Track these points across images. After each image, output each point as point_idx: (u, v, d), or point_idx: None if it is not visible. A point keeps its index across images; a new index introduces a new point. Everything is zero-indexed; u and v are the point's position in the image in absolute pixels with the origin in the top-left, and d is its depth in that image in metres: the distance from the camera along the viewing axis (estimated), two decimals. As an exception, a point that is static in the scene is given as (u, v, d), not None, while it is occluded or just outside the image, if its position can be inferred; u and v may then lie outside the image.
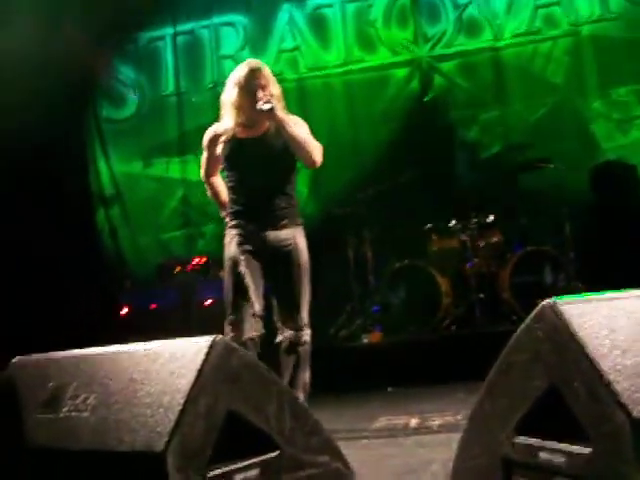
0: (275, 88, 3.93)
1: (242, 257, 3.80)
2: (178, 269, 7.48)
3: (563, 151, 7.60)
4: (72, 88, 8.25)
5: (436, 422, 4.18)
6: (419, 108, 8.52)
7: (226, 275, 3.87)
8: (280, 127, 3.79)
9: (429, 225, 6.96)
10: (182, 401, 1.87)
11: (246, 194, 3.89)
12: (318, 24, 8.96)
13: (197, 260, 7.59)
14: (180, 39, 9.33)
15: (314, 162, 3.91)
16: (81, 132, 9.23)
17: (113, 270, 8.86)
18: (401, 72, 8.71)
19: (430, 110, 8.46)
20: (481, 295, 6.61)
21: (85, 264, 7.95)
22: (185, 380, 1.91)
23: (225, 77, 9.45)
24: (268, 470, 2.08)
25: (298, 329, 3.85)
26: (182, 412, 1.85)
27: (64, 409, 2.13)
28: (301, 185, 8.79)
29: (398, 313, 6.60)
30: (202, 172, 4.11)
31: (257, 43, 9.07)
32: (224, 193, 4.06)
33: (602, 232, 6.89)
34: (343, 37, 8.86)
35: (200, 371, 1.91)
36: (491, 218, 6.84)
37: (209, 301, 7.04)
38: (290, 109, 8.80)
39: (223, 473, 1.94)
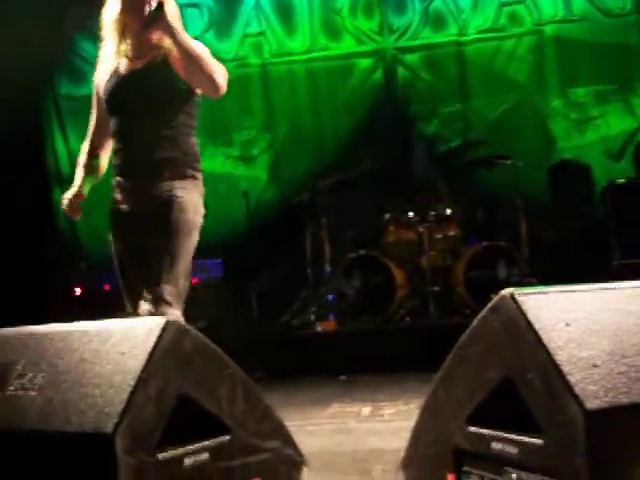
0: (172, 7, 3.10)
1: (112, 238, 3.21)
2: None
3: (521, 148, 7.68)
4: (29, 64, 8.05)
5: (388, 411, 4.20)
6: (381, 99, 8.53)
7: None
8: (170, 36, 2.99)
9: (387, 216, 6.96)
10: (132, 382, 1.83)
11: (123, 143, 3.16)
12: (284, 10, 8.89)
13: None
14: (144, 17, 9.18)
15: (217, 87, 3.03)
16: (39, 109, 9.03)
17: (68, 251, 8.71)
18: (365, 62, 8.71)
19: (392, 101, 8.47)
20: (435, 288, 6.65)
21: (40, 244, 7.80)
22: (136, 361, 1.87)
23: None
24: (219, 454, 2.05)
25: (155, 303, 2.92)
26: (132, 393, 1.81)
27: (10, 388, 2.07)
28: (260, 171, 8.75)
29: (352, 302, 6.60)
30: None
31: (222, 26, 8.97)
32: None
33: (556, 229, 6.98)
34: (309, 24, 8.82)
35: (152, 352, 1.87)
36: (448, 211, 6.88)
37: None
38: (253, 94, 8.84)
39: (173, 456, 1.91)
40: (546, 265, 6.81)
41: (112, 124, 3.18)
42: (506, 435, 1.78)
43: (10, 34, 7.33)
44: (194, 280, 6.83)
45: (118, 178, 3.20)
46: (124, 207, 3.15)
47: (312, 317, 6.88)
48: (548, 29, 8.40)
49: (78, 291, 7.08)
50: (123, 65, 3.15)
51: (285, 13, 8.88)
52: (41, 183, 8.76)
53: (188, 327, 2.05)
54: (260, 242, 7.73)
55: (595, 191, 7.37)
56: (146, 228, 3.02)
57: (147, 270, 2.99)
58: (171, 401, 1.92)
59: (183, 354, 1.98)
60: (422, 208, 7.04)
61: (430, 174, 7.60)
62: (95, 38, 9.20)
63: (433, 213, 6.82)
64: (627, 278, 2.16)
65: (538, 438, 1.65)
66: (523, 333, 1.70)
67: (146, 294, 2.98)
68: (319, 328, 6.64)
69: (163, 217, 2.99)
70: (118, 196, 3.19)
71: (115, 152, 3.21)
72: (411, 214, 6.88)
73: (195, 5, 9.06)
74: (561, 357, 1.61)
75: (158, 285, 2.91)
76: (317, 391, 5.26)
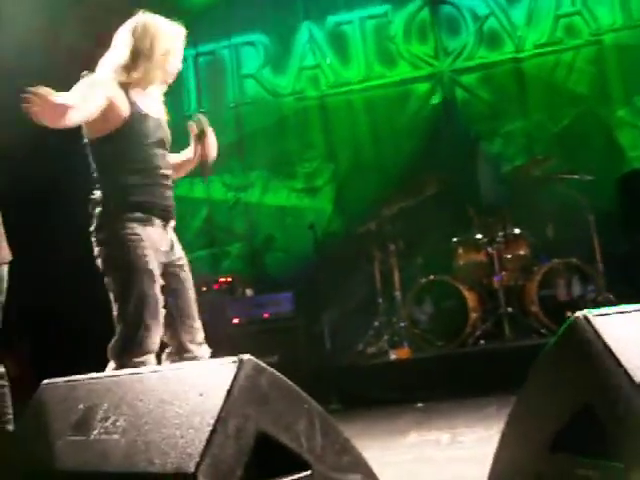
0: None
1: None
2: (204, 289, 7.49)
3: (588, 161, 7.54)
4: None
5: (468, 438, 4.13)
6: (442, 122, 8.51)
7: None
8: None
9: (455, 239, 6.91)
10: (212, 421, 1.86)
11: (159, 179, 3.40)
12: (338, 41, 9.00)
13: (223, 279, 7.61)
14: (201, 60, 9.42)
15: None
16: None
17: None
18: (423, 87, 8.72)
19: (453, 124, 8.45)
20: (509, 309, 6.55)
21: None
22: (214, 401, 1.91)
23: (247, 96, 9.57)
24: (300, 490, 2.06)
25: None
26: (212, 432, 1.84)
27: (94, 432, 2.14)
28: (325, 202, 8.82)
29: (425, 328, 6.55)
30: None
31: (278, 61, 9.14)
32: None
33: (630, 242, 6.79)
34: (363, 53, 8.89)
35: (229, 391, 1.91)
36: (517, 231, 6.79)
37: (236, 320, 7.05)
38: (313, 126, 8.94)
39: (255, 494, 1.93)
40: (621, 280, 6.62)
41: (149, 156, 3.27)
42: (589, 460, 1.74)
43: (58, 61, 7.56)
44: (266, 314, 6.95)
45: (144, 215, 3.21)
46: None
47: (385, 345, 6.85)
48: (607, 38, 8.25)
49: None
50: (160, 108, 3.51)
51: (339, 44, 8.98)
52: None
53: (263, 364, 2.08)
54: (329, 273, 7.75)
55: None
56: None
57: None
58: (250, 439, 1.95)
59: (259, 391, 2.01)
60: (490, 229, 6.97)
61: (497, 194, 7.52)
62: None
63: (502, 233, 6.74)
64: None
65: (620, 462, 1.61)
66: (600, 356, 1.67)
67: None
68: (393, 356, 6.59)
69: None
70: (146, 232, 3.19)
71: (140, 186, 3.21)
72: (479, 235, 6.81)
73: (251, 43, 9.26)
74: (641, 378, 1.57)
75: None
76: (394, 420, 5.22)
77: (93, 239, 3.17)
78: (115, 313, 3.09)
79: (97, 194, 3.19)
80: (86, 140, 3.25)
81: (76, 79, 3.16)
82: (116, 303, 3.09)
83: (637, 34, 8.14)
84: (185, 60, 9.45)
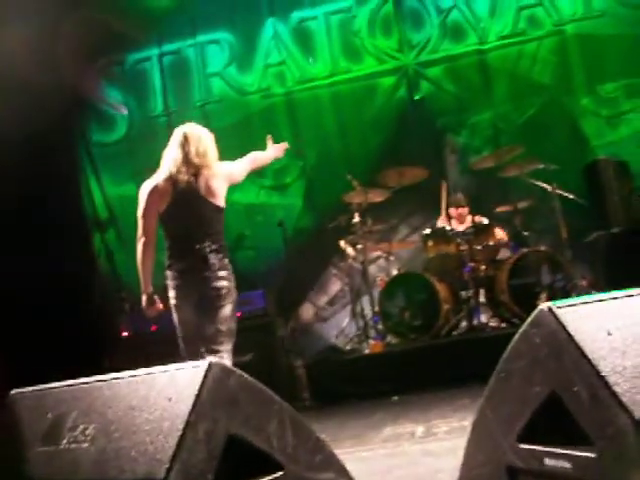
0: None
1: None
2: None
3: (554, 150, 7.60)
4: (60, 113, 8.23)
5: (442, 429, 4.15)
6: (408, 115, 8.54)
7: None
8: None
9: (425, 231, 6.93)
10: (181, 427, 1.85)
11: None
12: (303, 37, 8.99)
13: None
14: (166, 59, 9.34)
15: None
16: (72, 157, 9.21)
17: (112, 294, 8.83)
18: (388, 80, 8.74)
19: (419, 116, 8.48)
20: (480, 299, 6.59)
21: (83, 289, 7.92)
22: (183, 405, 1.89)
23: (213, 95, 9.53)
24: (273, 490, 2.05)
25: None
26: (182, 438, 1.83)
27: (64, 441, 2.11)
28: (295, 198, 8.80)
29: (398, 321, 6.56)
30: None
31: (243, 59, 9.10)
32: None
33: (597, 230, 6.87)
34: (328, 48, 8.89)
35: (198, 395, 1.89)
36: (486, 221, 6.84)
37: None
38: (280, 123, 8.91)
39: (227, 497, 1.92)
40: (589, 267, 6.70)
41: None
42: (558, 450, 1.76)
43: (39, 83, 7.50)
44: (237, 313, 6.92)
45: None
46: None
47: (358, 339, 6.87)
48: (569, 28, 8.34)
49: (125, 334, 7.15)
50: None
51: (304, 40, 8.97)
52: (81, 229, 8.92)
53: (231, 367, 2.07)
54: (301, 269, 7.75)
55: (634, 187, 7.24)
56: None
57: None
58: (221, 441, 1.94)
59: (228, 394, 2.00)
60: (460, 220, 7.02)
61: (465, 185, 7.56)
62: (120, 84, 9.35)
63: (471, 224, 6.78)
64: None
65: (590, 451, 1.63)
66: (565, 346, 1.68)
67: None
68: (366, 350, 6.61)
69: None
70: None
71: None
72: (448, 227, 6.84)
73: (215, 41, 9.21)
74: (605, 367, 1.58)
75: None
76: (369, 415, 5.23)
77: (219, 275, 3.97)
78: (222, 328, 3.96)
79: (217, 246, 4.01)
80: (221, 206, 4.16)
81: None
82: (224, 323, 3.97)
83: (598, 24, 8.23)
84: (150, 59, 9.49)
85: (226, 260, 4.04)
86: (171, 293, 4.06)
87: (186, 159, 4.18)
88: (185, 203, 4.05)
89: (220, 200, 4.15)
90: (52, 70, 7.79)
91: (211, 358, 3.51)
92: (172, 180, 4.09)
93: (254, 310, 6.75)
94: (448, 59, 8.61)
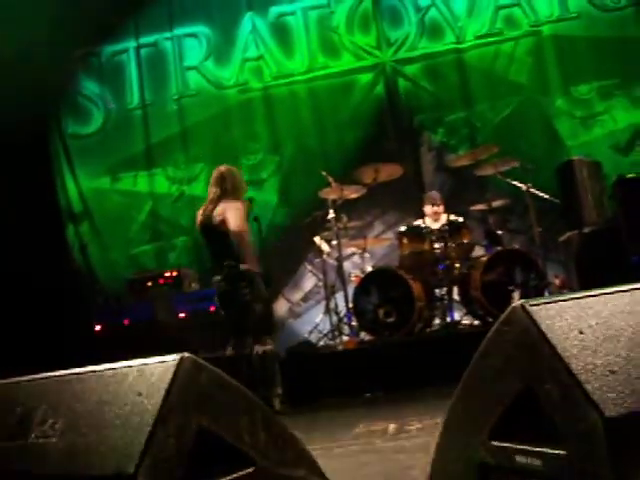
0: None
1: None
2: (150, 283, 7.41)
3: (528, 150, 7.66)
4: (36, 105, 8.15)
5: (414, 426, 4.16)
6: (385, 112, 8.56)
7: None
8: None
9: (401, 228, 6.95)
10: (151, 421, 1.82)
11: None
12: (281, 32, 8.97)
13: (168, 274, 7.52)
14: (143, 51, 9.28)
15: None
16: (47, 149, 9.13)
17: (85, 287, 8.77)
18: (365, 77, 8.75)
19: (396, 114, 8.49)
20: (454, 297, 6.62)
21: (56, 281, 7.85)
22: (153, 400, 1.87)
23: (190, 88, 9.50)
24: (244, 486, 2.04)
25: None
26: (152, 433, 1.81)
27: (32, 435, 2.08)
28: (270, 194, 8.78)
29: (372, 318, 6.56)
30: None
31: (221, 53, 9.07)
32: None
33: (570, 229, 6.92)
34: (306, 44, 8.88)
35: (168, 390, 1.87)
36: (460, 219, 6.86)
37: (182, 314, 6.98)
38: (257, 118, 8.89)
39: (197, 493, 1.90)
40: (564, 266, 6.75)
41: None
42: (530, 448, 1.76)
43: (14, 73, 7.42)
44: (212, 308, 6.90)
45: None
46: None
47: (333, 336, 6.87)
48: (545, 29, 8.41)
49: (98, 327, 7.10)
50: None
51: (282, 35, 8.95)
52: (54, 221, 8.84)
53: (202, 362, 2.05)
54: (276, 265, 7.73)
55: (607, 187, 7.31)
56: None
57: None
58: (191, 437, 1.92)
59: (200, 389, 1.98)
60: (434, 218, 7.04)
61: (440, 183, 7.59)
62: (97, 76, 9.26)
63: (445, 222, 6.80)
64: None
65: (561, 449, 1.64)
66: (537, 344, 1.69)
67: None
68: (340, 347, 6.61)
69: None
70: None
71: None
72: (423, 224, 6.86)
73: (193, 35, 9.16)
74: (576, 366, 1.59)
75: None
76: (342, 411, 5.24)
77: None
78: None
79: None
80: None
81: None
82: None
83: (573, 25, 8.31)
84: (126, 52, 9.41)
85: None
86: None
87: None
88: None
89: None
90: (28, 61, 7.70)
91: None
92: None
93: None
94: (426, 57, 8.65)
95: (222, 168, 5.48)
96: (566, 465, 1.64)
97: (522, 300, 1.78)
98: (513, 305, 1.79)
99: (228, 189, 5.28)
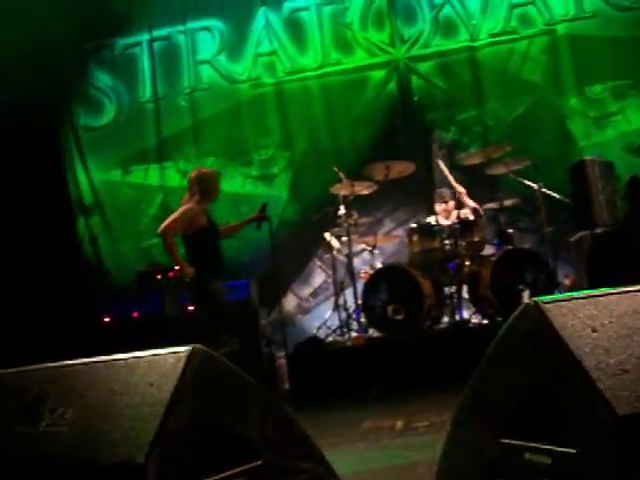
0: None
1: None
2: (159, 277, 7.42)
3: (541, 149, 7.63)
4: (48, 96, 8.17)
5: (422, 424, 4.16)
6: (397, 109, 8.54)
7: None
8: None
9: (411, 225, 6.93)
10: (162, 412, 1.83)
11: None
12: (295, 27, 8.96)
13: (178, 267, 7.52)
14: (156, 45, 9.28)
15: None
16: (59, 141, 9.15)
17: (95, 279, 8.79)
18: (379, 74, 8.72)
19: (408, 111, 8.47)
20: (463, 295, 6.60)
21: (67, 273, 7.88)
22: (165, 390, 1.88)
23: (202, 82, 9.51)
24: (253, 478, 2.05)
25: None
26: (162, 423, 1.82)
27: (42, 423, 2.09)
28: (281, 190, 8.78)
29: (380, 315, 6.54)
30: None
31: (234, 48, 9.06)
32: None
33: (581, 229, 6.89)
34: (320, 40, 8.86)
35: (180, 381, 1.88)
36: (471, 217, 6.84)
37: (192, 307, 6.99)
38: (269, 113, 8.88)
39: (207, 484, 1.91)
40: (574, 266, 6.72)
41: None
42: (539, 445, 1.76)
43: (28, 65, 7.45)
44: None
45: None
46: None
47: (341, 332, 6.86)
48: (560, 28, 8.36)
49: (107, 319, 7.12)
50: None
51: (296, 30, 8.94)
52: (65, 213, 8.87)
53: (214, 354, 2.05)
54: (284, 260, 7.73)
55: (619, 188, 7.27)
56: None
57: None
58: (201, 428, 1.92)
59: (211, 381, 1.98)
60: (445, 216, 7.02)
61: (452, 181, 7.56)
62: (109, 69, 9.27)
63: (456, 220, 6.78)
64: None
65: (571, 447, 1.63)
66: (550, 342, 1.68)
67: None
68: (348, 343, 6.61)
69: None
70: None
71: None
72: (434, 222, 6.84)
73: (206, 29, 9.16)
74: (589, 364, 1.59)
75: None
76: (349, 407, 5.24)
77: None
78: None
79: None
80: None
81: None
82: None
83: (588, 25, 8.26)
84: (139, 45, 9.42)
85: None
86: None
87: None
88: None
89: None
90: (41, 52, 7.73)
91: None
92: None
93: (239, 299, 6.75)
94: (439, 55, 8.62)
95: (193, 172, 5.61)
96: (576, 463, 1.63)
97: (535, 298, 1.78)
98: (526, 302, 1.79)
99: (192, 192, 5.41)
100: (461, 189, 6.96)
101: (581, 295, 1.80)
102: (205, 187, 5.43)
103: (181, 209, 5.42)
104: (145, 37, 9.28)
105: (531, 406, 1.78)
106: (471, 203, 6.87)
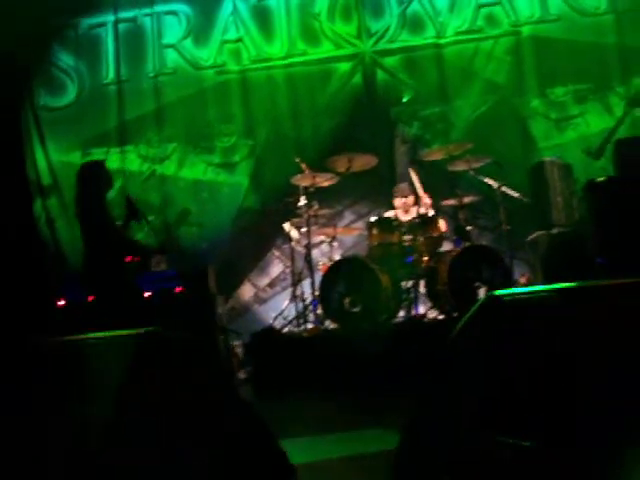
0: None
1: None
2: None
3: (502, 149, 7.71)
4: (8, 75, 8.01)
5: (374, 416, 4.18)
6: (361, 102, 8.56)
7: None
8: None
9: (371, 219, 6.95)
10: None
11: None
12: (262, 16, 8.91)
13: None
14: (122, 26, 9.15)
15: None
16: (18, 120, 8.97)
17: (50, 261, 8.66)
18: (344, 66, 8.73)
19: (372, 104, 8.50)
20: (421, 290, 6.65)
21: (22, 254, 7.75)
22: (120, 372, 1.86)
23: (167, 67, 9.42)
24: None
25: None
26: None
27: None
28: (242, 177, 8.75)
29: (337, 307, 6.55)
30: None
31: (200, 33, 8.98)
32: None
33: (539, 229, 7.00)
34: (287, 29, 8.83)
35: (134, 362, 1.87)
36: (431, 213, 6.89)
37: (148, 293, 6.93)
38: (233, 101, 8.83)
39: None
40: (530, 265, 6.82)
41: None
42: (501, 438, 1.78)
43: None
44: (178, 289, 6.88)
45: None
46: None
47: (297, 323, 6.87)
48: (525, 29, 8.46)
49: (62, 302, 7.02)
50: None
51: (263, 19, 8.89)
52: (22, 194, 8.71)
53: (170, 336, 2.04)
54: (243, 249, 7.71)
55: (577, 189, 7.39)
56: None
57: None
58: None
59: (167, 363, 1.97)
60: (405, 210, 7.06)
61: (412, 176, 7.60)
62: (73, 48, 9.17)
63: (416, 215, 6.82)
64: (608, 276, 2.17)
65: (530, 440, 1.66)
66: (508, 334, 1.71)
67: None
68: (305, 334, 6.61)
69: None
70: None
71: None
72: (394, 216, 6.87)
73: (173, 13, 9.06)
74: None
75: None
76: (304, 398, 5.24)
77: None
78: None
79: None
80: None
81: None
82: None
83: (553, 28, 8.37)
84: (104, 25, 9.28)
85: None
86: None
87: None
88: None
89: None
90: (2, 29, 7.57)
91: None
92: None
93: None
94: (405, 50, 8.65)
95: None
96: (534, 456, 1.66)
97: (495, 291, 1.80)
98: (486, 295, 1.81)
99: None
100: (427, 200, 7.03)
101: (538, 289, 1.83)
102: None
103: None
104: (110, 18, 9.14)
105: (493, 398, 1.80)
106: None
